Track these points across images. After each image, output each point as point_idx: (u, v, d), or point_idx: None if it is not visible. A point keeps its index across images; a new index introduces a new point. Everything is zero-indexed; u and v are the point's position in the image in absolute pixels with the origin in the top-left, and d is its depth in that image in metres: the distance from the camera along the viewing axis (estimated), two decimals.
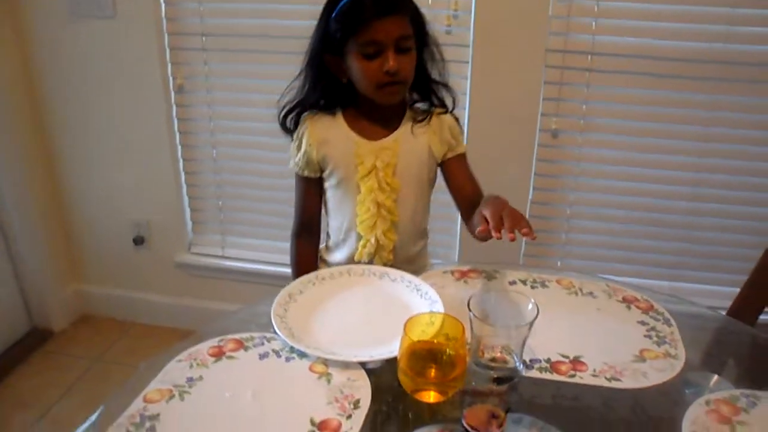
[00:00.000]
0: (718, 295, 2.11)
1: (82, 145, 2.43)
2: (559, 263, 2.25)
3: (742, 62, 1.90)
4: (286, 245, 2.35)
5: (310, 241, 1.52)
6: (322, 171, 1.41)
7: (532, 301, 1.02)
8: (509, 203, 1.15)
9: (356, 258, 1.41)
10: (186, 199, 2.49)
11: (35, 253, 2.47)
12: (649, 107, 2.01)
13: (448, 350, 0.96)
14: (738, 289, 1.52)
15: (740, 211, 2.10)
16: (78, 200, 2.53)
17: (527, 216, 2.16)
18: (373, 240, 1.40)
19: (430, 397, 0.98)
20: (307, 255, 1.53)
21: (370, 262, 1.41)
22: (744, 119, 1.99)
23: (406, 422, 0.99)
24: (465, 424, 0.92)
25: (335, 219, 1.48)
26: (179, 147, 2.40)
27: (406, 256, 1.45)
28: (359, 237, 1.42)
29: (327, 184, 1.45)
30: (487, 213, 1.09)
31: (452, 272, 1.34)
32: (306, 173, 1.40)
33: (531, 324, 0.99)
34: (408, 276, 1.26)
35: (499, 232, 1.03)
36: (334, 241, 1.51)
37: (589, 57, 1.97)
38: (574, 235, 2.22)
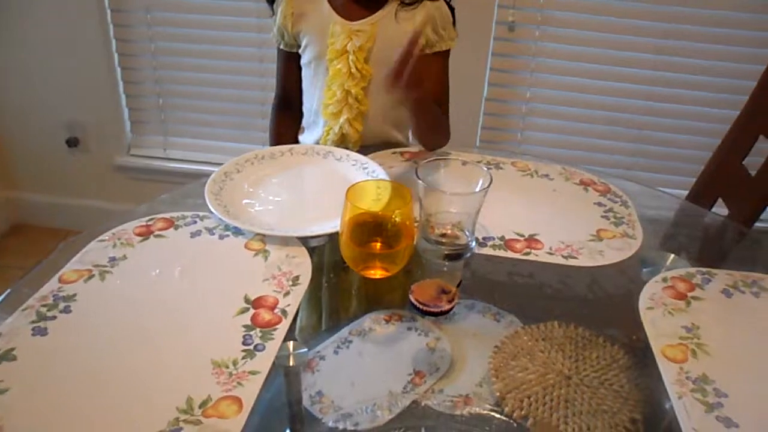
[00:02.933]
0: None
1: (7, 44, 2.25)
2: (517, 148, 2.26)
3: None
4: (232, 145, 2.22)
5: (289, 115, 1.46)
6: (298, 46, 1.35)
7: (485, 169, 0.97)
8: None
9: (321, 144, 1.36)
10: (123, 97, 2.36)
11: None
12: (609, 1, 1.93)
13: (394, 218, 0.88)
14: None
15: (695, 112, 2.07)
16: (5, 102, 2.37)
17: (480, 114, 2.18)
18: (337, 128, 1.31)
19: (376, 273, 0.92)
20: (285, 127, 1.46)
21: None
22: (702, 15, 1.93)
23: (348, 298, 0.97)
24: (413, 300, 0.87)
25: (307, 99, 1.40)
26: (113, 41, 2.24)
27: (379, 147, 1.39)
28: (325, 123, 1.34)
29: (302, 61, 1.36)
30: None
31: (401, 153, 1.30)
32: (282, 46, 1.34)
33: (484, 192, 0.93)
34: (354, 155, 1.21)
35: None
36: (306, 122, 1.43)
37: None
38: (529, 133, 2.20)
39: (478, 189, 0.94)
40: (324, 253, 1.01)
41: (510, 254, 1.01)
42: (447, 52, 1.35)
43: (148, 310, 0.86)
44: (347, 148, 1.25)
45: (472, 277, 0.98)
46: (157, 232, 1.02)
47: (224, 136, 2.37)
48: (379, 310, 0.91)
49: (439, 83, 1.32)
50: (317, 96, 1.35)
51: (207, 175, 1.12)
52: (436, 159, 0.99)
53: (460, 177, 0.99)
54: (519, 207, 1.14)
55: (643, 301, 0.92)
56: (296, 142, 1.47)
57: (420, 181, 0.92)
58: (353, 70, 1.27)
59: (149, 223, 1.04)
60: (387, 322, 0.89)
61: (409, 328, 0.88)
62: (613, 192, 1.21)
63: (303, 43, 1.34)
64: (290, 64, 1.39)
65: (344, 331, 0.87)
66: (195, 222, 1.05)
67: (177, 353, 0.79)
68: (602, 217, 1.13)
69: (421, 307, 0.86)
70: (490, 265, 1.00)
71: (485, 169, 0.97)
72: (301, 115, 1.45)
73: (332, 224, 0.99)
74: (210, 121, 2.36)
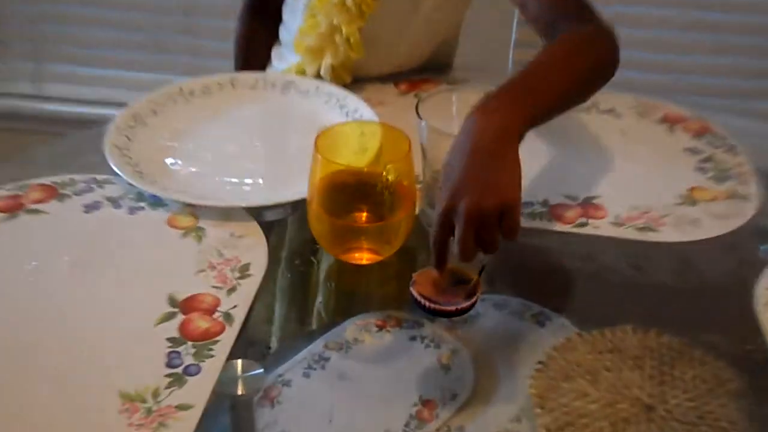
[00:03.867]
0: None
1: None
2: None
3: None
4: (142, 76, 2.20)
5: (262, 22, 1.47)
6: None
7: None
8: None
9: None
10: None
11: None
12: None
13: (386, 177, 0.89)
14: None
15: None
16: None
17: (514, 22, 2.18)
18: (311, 71, 1.29)
19: (362, 258, 0.94)
20: (256, 34, 1.47)
21: None
22: None
23: (322, 296, 0.97)
24: (416, 295, 0.86)
25: (287, 16, 1.40)
26: None
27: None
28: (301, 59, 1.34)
29: None
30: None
31: (395, 83, 1.31)
32: None
33: None
34: (328, 86, 1.22)
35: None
36: (282, 43, 1.44)
37: None
38: None
39: None
40: (286, 230, 1.01)
41: (557, 226, 1.01)
42: None
43: (22, 322, 0.86)
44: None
45: (503, 260, 0.97)
46: (31, 206, 1.02)
47: (129, 62, 2.36)
48: (368, 312, 0.92)
49: None
50: (297, 20, 1.35)
51: (105, 120, 1.12)
52: (447, 90, 0.99)
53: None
54: (570, 157, 1.15)
55: (762, 293, 0.92)
56: (268, 57, 1.47)
57: (423, 122, 0.92)
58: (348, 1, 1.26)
59: (18, 192, 1.03)
60: (380, 329, 0.90)
61: (413, 338, 0.89)
62: (713, 132, 1.21)
63: None
64: None
65: (318, 344, 0.87)
66: (90, 189, 1.05)
67: (66, 384, 0.79)
68: (697, 169, 1.13)
69: (428, 305, 0.86)
70: (528, 242, 1.00)
71: None
72: (277, 22, 1.44)
73: (296, 189, 0.99)
74: (105, 39, 2.35)
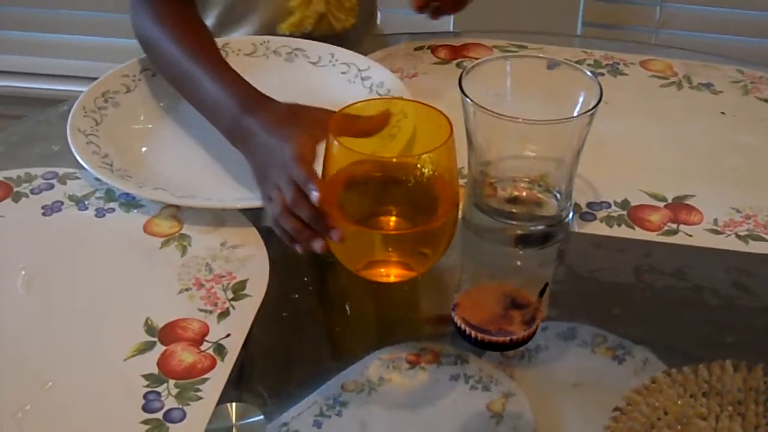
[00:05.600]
0: None
1: None
2: (654, 38, 2.23)
3: None
4: (111, 42, 2.22)
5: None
6: None
7: (590, 75, 0.97)
8: None
9: (284, 29, 1.35)
10: None
11: None
12: None
13: (421, 169, 0.89)
14: None
15: None
16: None
17: None
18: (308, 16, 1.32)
19: (389, 274, 0.94)
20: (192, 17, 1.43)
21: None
22: None
23: (339, 322, 0.97)
24: (458, 321, 0.87)
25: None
26: None
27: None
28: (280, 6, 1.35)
29: None
30: None
31: (430, 48, 1.32)
32: None
33: (590, 118, 0.92)
34: (343, 53, 1.23)
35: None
36: (221, 18, 1.41)
37: None
38: (678, 5, 2.21)
39: (577, 111, 0.94)
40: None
41: (640, 233, 1.02)
42: None
43: None
44: (336, 32, 1.30)
45: (570, 277, 0.98)
46: None
47: (96, 26, 2.38)
48: (397, 343, 0.91)
49: None
50: None
51: (67, 98, 1.12)
52: (498, 58, 0.99)
53: (543, 91, 1.00)
54: (655, 146, 1.15)
55: None
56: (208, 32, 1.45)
57: (469, 101, 0.92)
58: None
59: None
60: (412, 365, 0.89)
61: (455, 377, 0.88)
62: None
63: None
64: None
65: (333, 385, 0.87)
66: (50, 187, 1.06)
67: (23, 427, 0.79)
68: None
69: (475, 334, 0.86)
70: (602, 254, 1.01)
71: (589, 74, 0.97)
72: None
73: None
74: None
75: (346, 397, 0.85)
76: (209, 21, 1.39)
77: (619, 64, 1.29)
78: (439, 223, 0.91)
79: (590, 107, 0.92)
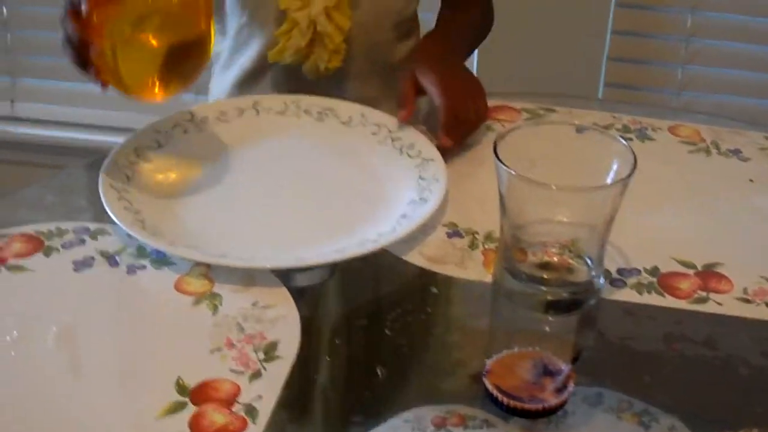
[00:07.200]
0: None
1: None
2: (676, 100, 2.23)
3: None
4: None
5: None
6: None
7: (623, 142, 0.97)
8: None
9: (270, 57, 1.38)
10: None
11: None
12: None
13: None
14: None
15: None
16: None
17: (607, 34, 2.18)
18: (305, 24, 1.33)
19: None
20: None
21: (296, 73, 1.38)
22: None
23: (369, 383, 0.95)
24: (490, 388, 0.86)
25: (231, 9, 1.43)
26: None
27: (375, 63, 1.45)
28: (277, 18, 1.36)
29: None
30: (434, 96, 1.22)
31: None
32: None
33: (623, 185, 0.93)
34: (373, 113, 1.24)
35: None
36: (231, 48, 1.46)
37: None
38: (699, 68, 2.22)
39: (610, 179, 0.94)
40: (320, 299, 1.02)
41: (670, 301, 1.01)
42: None
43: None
44: (320, 72, 1.32)
45: (600, 343, 0.98)
46: (12, 261, 1.03)
47: None
48: (422, 404, 0.90)
49: None
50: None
51: (97, 150, 1.12)
52: (531, 122, 0.99)
53: (576, 156, 1.00)
54: (684, 213, 1.15)
55: None
56: None
57: (503, 166, 0.92)
58: None
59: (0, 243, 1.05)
60: (438, 428, 0.88)
61: None
62: None
63: None
64: None
65: None
66: (81, 242, 1.06)
67: None
68: None
69: (507, 401, 0.86)
70: (632, 322, 1.01)
71: (623, 142, 0.97)
72: None
73: (336, 246, 1.00)
74: None
75: None
76: (227, 43, 1.46)
77: (647, 129, 1.29)
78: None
79: (625, 176, 0.92)
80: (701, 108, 2.14)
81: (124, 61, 1.06)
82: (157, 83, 1.10)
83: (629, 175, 0.92)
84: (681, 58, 2.23)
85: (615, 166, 0.95)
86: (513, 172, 0.92)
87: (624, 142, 0.98)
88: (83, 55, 1.06)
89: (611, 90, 2.24)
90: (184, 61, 1.10)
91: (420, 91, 1.23)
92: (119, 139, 1.17)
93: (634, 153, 0.94)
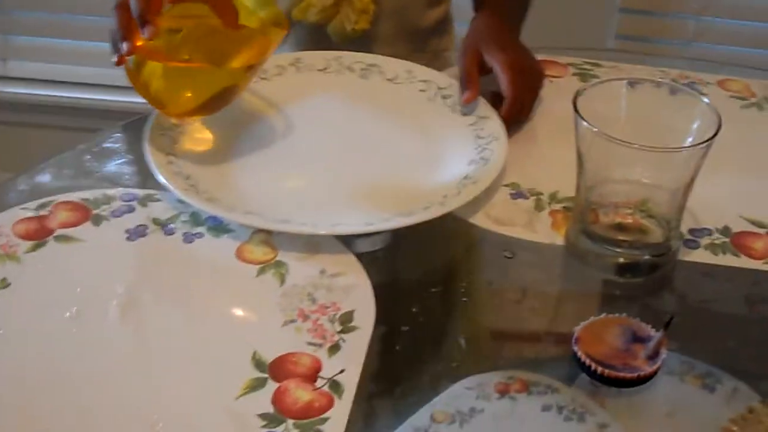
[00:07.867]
0: None
1: None
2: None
3: None
4: None
5: None
6: None
7: (707, 102, 0.97)
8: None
9: (294, 15, 1.35)
10: None
11: None
12: None
13: None
14: None
15: None
16: None
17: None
18: None
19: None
20: None
21: (320, 35, 1.36)
22: None
23: (437, 348, 0.93)
24: (581, 356, 0.86)
25: None
26: None
27: (404, 27, 1.44)
28: None
29: None
30: (504, 82, 1.18)
31: None
32: None
33: (707, 147, 0.92)
34: (422, 70, 1.22)
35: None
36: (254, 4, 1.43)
37: None
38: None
39: (691, 139, 0.94)
40: (389, 263, 1.00)
41: (744, 261, 1.01)
42: None
43: (63, 389, 0.84)
44: (346, 33, 1.30)
45: (683, 307, 0.97)
46: (60, 232, 1.01)
47: None
48: (486, 371, 0.89)
49: None
50: None
51: (131, 111, 1.12)
52: (614, 79, 1.02)
53: (654, 116, 0.99)
54: (745, 170, 1.15)
55: None
56: None
57: (583, 122, 0.91)
58: None
59: (43, 213, 1.03)
60: (502, 395, 0.87)
61: (547, 407, 0.86)
62: None
63: None
64: None
65: (422, 416, 0.84)
66: (131, 210, 1.04)
67: None
68: None
69: (601, 370, 0.85)
70: (710, 283, 1.00)
71: (705, 100, 0.97)
72: None
73: (400, 209, 0.99)
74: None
75: (436, 428, 0.83)
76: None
77: (695, 83, 1.30)
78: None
79: (709, 136, 0.92)
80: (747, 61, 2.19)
81: (157, 78, 1.06)
82: (180, 109, 1.09)
83: (712, 137, 0.92)
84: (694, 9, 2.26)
85: (695, 125, 0.96)
86: (595, 129, 0.91)
87: (707, 100, 0.97)
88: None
89: (621, 42, 2.27)
90: (216, 104, 1.09)
91: (482, 69, 1.20)
92: (115, 98, 1.16)
93: (718, 113, 0.94)
